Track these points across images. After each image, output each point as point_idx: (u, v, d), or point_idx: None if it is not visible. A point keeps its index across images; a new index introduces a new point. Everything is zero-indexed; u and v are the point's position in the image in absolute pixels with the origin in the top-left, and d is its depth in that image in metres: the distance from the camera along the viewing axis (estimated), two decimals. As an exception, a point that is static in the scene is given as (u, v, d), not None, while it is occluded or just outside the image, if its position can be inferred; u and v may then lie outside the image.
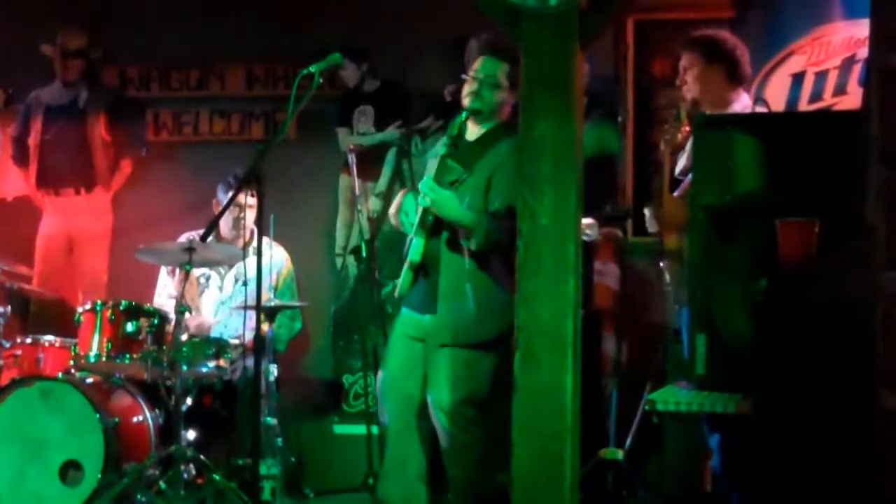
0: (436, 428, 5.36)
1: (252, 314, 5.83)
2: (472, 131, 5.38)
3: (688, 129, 5.58)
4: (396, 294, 5.41)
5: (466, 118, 5.34)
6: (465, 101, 5.35)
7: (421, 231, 5.23)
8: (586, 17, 3.80)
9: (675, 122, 5.67)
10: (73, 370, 6.15)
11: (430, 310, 5.31)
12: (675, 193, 5.39)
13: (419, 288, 5.33)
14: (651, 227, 5.68)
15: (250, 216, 6.67)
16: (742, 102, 5.42)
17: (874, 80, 1.75)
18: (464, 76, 5.40)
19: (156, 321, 6.07)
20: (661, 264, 5.52)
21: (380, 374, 5.65)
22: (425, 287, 5.32)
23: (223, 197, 6.76)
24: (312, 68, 5.16)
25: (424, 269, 5.30)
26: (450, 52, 7.36)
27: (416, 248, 5.24)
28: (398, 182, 7.71)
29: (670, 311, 6.07)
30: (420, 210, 5.24)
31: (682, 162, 5.48)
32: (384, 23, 7.77)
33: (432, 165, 5.47)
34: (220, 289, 6.91)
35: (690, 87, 5.48)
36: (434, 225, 5.24)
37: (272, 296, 6.46)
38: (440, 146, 5.55)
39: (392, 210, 5.60)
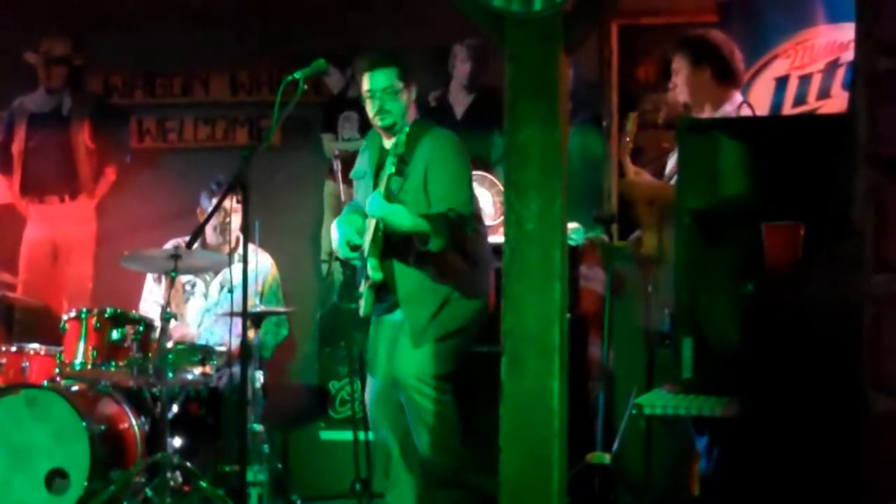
0: (406, 408, 5.41)
1: (238, 321, 5.83)
2: (390, 141, 5.39)
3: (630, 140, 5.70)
4: (361, 314, 5.46)
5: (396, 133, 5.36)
6: (376, 122, 5.41)
7: (373, 250, 5.26)
8: (571, 22, 3.80)
9: (626, 133, 5.77)
10: (58, 378, 6.13)
11: (396, 307, 5.39)
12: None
13: (383, 304, 5.40)
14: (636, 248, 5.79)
15: (236, 221, 6.67)
16: (734, 103, 5.42)
17: (860, 83, 1.75)
18: (363, 101, 5.47)
19: (141, 328, 6.06)
20: (642, 271, 5.56)
21: (368, 383, 5.67)
22: (389, 294, 5.38)
23: (206, 204, 6.76)
24: (297, 74, 5.16)
25: (384, 287, 5.35)
26: (434, 59, 7.39)
27: (373, 267, 5.28)
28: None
29: (656, 314, 6.08)
30: (369, 229, 5.27)
31: (670, 164, 5.49)
32: (368, 29, 7.77)
33: (361, 186, 5.54)
34: (206, 296, 6.90)
35: (680, 89, 5.49)
36: (385, 240, 5.27)
37: (258, 302, 6.45)
38: (359, 168, 5.62)
39: (333, 246, 5.61)
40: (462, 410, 5.49)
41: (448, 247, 5.25)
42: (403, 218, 5.21)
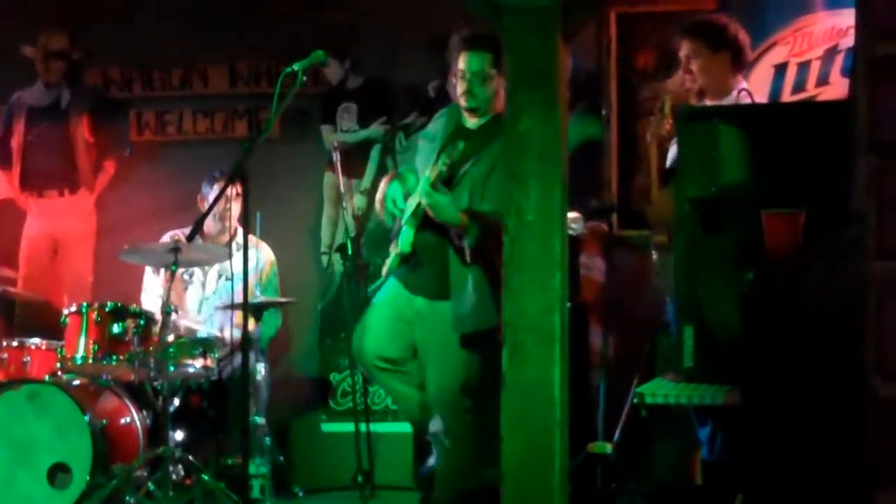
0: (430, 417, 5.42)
1: (236, 312, 5.84)
2: (472, 122, 5.41)
3: (671, 120, 5.59)
4: (384, 272, 5.44)
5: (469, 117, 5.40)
6: (462, 101, 5.39)
7: (412, 221, 5.26)
8: (569, 10, 3.79)
9: (660, 114, 5.68)
10: (59, 372, 6.13)
11: (421, 292, 5.36)
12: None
13: (411, 270, 5.37)
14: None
15: (236, 209, 6.68)
16: (738, 88, 5.43)
17: (861, 70, 1.75)
18: (452, 77, 5.42)
19: (142, 322, 6.06)
20: (654, 257, 5.53)
21: (355, 335, 5.65)
22: (418, 271, 5.36)
23: (208, 191, 6.77)
24: (296, 66, 5.15)
25: (409, 261, 5.34)
26: (433, 48, 7.37)
27: (405, 238, 5.29)
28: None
29: (658, 303, 6.08)
30: (412, 201, 5.27)
31: (673, 150, 5.47)
32: (367, 20, 7.76)
33: (424, 148, 5.52)
34: (204, 285, 6.90)
35: (696, 76, 5.46)
36: (425, 216, 5.27)
37: (258, 293, 6.45)
38: (430, 130, 5.60)
39: (378, 196, 5.60)
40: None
41: (481, 243, 5.24)
42: (446, 209, 5.22)
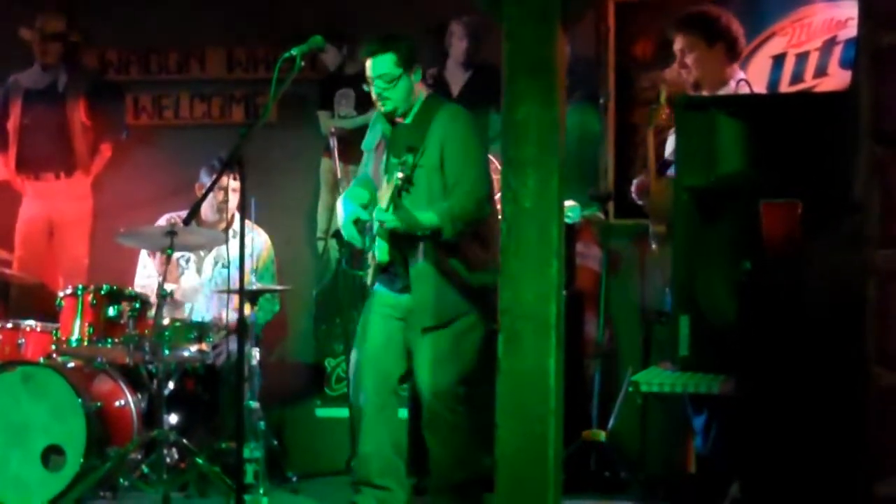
0: (423, 408, 5.40)
1: (234, 296, 5.84)
2: (399, 122, 5.41)
3: (668, 110, 5.59)
4: (368, 282, 5.44)
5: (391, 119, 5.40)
6: (379, 108, 5.39)
7: (383, 234, 5.24)
8: (569, -2, 3.79)
9: (657, 104, 5.69)
10: (54, 355, 6.14)
11: (406, 290, 5.35)
12: (669, 172, 5.39)
13: (391, 278, 5.38)
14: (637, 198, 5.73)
15: (233, 200, 6.67)
16: (737, 79, 5.43)
17: (864, 60, 1.75)
18: (364, 87, 5.44)
19: (137, 305, 6.07)
20: (652, 246, 5.53)
21: (353, 353, 5.64)
22: (398, 272, 5.35)
23: (206, 180, 6.76)
24: (294, 51, 5.14)
25: (388, 270, 5.34)
26: (431, 36, 7.37)
27: (381, 249, 5.26)
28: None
29: (654, 292, 6.09)
30: (375, 218, 5.25)
31: (671, 141, 5.47)
32: (365, 5, 7.74)
33: (371, 158, 5.53)
34: (199, 271, 6.90)
35: (692, 69, 5.46)
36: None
37: (254, 280, 6.45)
38: (369, 139, 5.61)
39: (339, 222, 5.57)
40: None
41: (462, 233, 5.24)
42: (409, 220, 5.18)
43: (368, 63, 5.39)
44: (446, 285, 5.31)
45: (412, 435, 5.81)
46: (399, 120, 5.40)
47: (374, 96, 5.42)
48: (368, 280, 5.42)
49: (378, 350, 5.44)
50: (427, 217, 5.21)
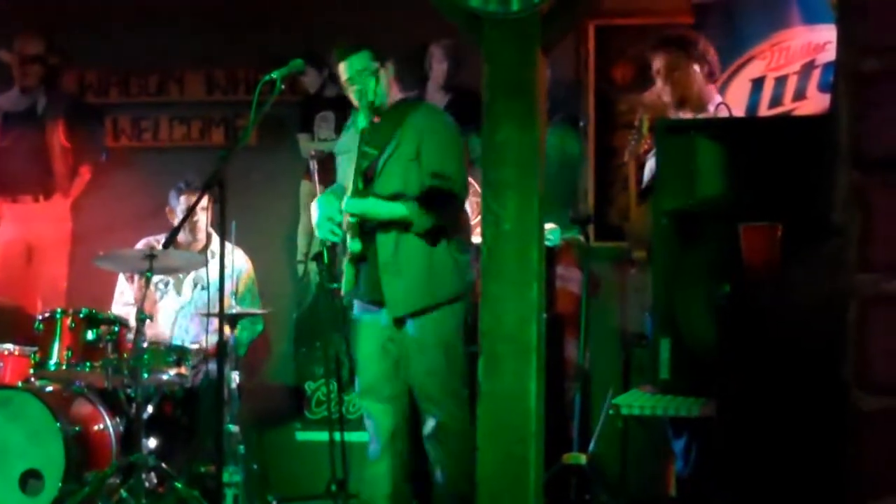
0: (425, 418, 5.43)
1: (213, 318, 5.82)
2: (377, 120, 5.45)
3: (650, 140, 5.60)
4: (342, 294, 5.46)
5: (371, 113, 5.39)
6: (358, 103, 5.40)
7: (353, 229, 5.28)
8: (548, 22, 3.81)
9: (638, 133, 5.70)
10: (32, 378, 6.11)
11: (378, 296, 5.37)
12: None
13: (363, 278, 5.38)
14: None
15: (202, 219, 6.67)
16: (715, 102, 5.46)
17: (843, 85, 1.76)
18: (345, 91, 5.49)
19: (116, 329, 6.04)
20: (632, 272, 5.54)
21: (356, 385, 5.67)
22: (369, 274, 5.37)
23: (175, 203, 6.76)
24: (274, 74, 5.14)
25: (365, 259, 5.36)
26: (411, 58, 7.37)
27: (353, 243, 5.30)
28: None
29: (634, 315, 6.09)
30: (344, 215, 5.30)
31: (650, 164, 5.49)
32: (345, 28, 7.74)
33: (343, 162, 5.55)
34: (179, 293, 6.88)
35: (672, 89, 5.49)
36: (362, 220, 5.30)
37: (233, 302, 6.43)
38: (342, 144, 5.64)
39: (313, 221, 5.60)
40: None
41: (436, 224, 5.28)
42: (376, 208, 5.26)
43: (343, 65, 5.42)
44: (421, 273, 5.34)
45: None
46: (377, 120, 5.41)
47: (356, 97, 5.42)
48: (343, 289, 5.44)
49: (377, 378, 5.49)
50: (395, 207, 5.26)
